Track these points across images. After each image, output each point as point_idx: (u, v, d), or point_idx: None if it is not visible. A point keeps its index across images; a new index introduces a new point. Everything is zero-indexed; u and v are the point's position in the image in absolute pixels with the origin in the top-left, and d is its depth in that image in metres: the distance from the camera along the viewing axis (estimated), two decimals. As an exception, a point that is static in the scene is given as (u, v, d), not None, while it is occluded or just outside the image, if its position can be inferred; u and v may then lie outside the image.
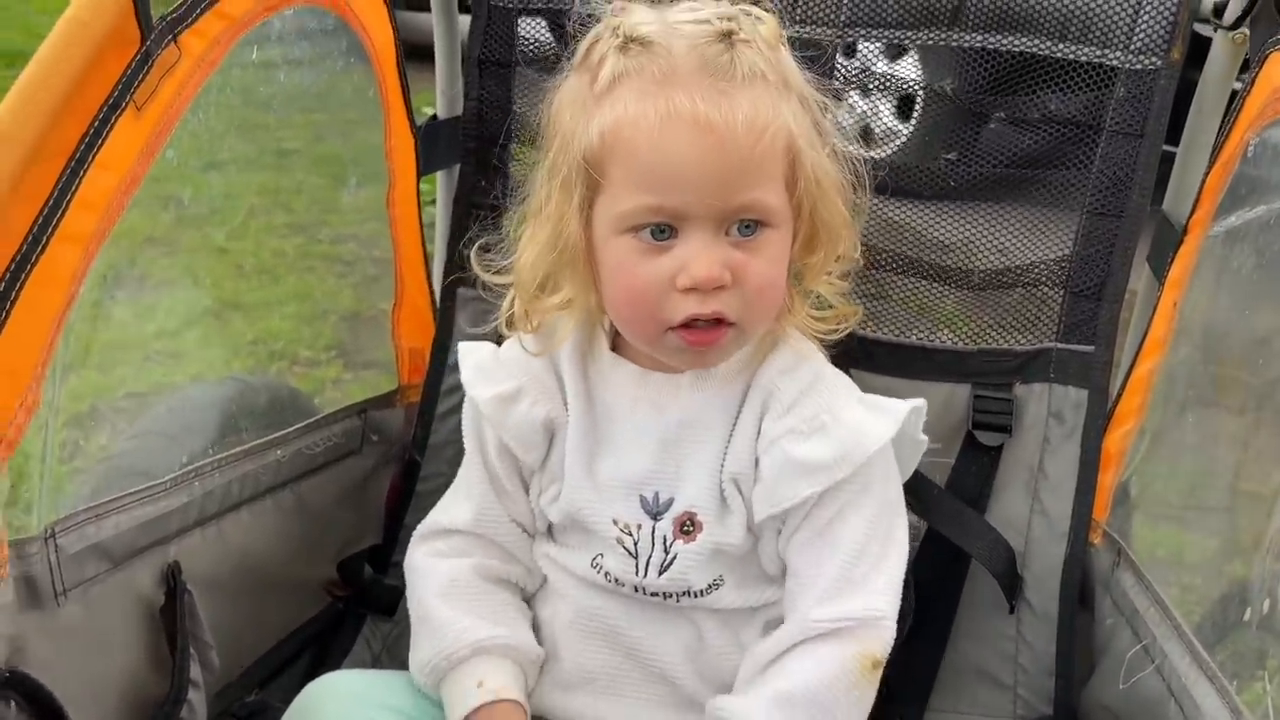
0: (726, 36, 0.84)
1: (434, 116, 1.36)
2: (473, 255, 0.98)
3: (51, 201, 0.72)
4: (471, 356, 0.99)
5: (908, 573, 1.07)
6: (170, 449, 1.03)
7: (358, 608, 1.24)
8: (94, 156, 0.75)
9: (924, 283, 1.21)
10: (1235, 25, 1.02)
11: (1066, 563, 1.14)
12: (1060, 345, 1.17)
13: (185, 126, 0.93)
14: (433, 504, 1.06)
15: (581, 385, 0.95)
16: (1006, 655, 1.16)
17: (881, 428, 0.90)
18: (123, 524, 0.87)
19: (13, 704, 0.72)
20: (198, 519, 0.96)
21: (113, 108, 0.76)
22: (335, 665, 1.17)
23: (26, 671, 0.73)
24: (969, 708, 1.16)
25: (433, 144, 1.31)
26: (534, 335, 0.96)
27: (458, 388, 1.14)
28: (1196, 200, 1.05)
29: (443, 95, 1.36)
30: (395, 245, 1.26)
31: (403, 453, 1.30)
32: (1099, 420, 1.14)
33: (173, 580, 0.91)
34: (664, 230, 0.85)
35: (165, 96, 0.83)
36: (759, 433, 0.91)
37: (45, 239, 0.72)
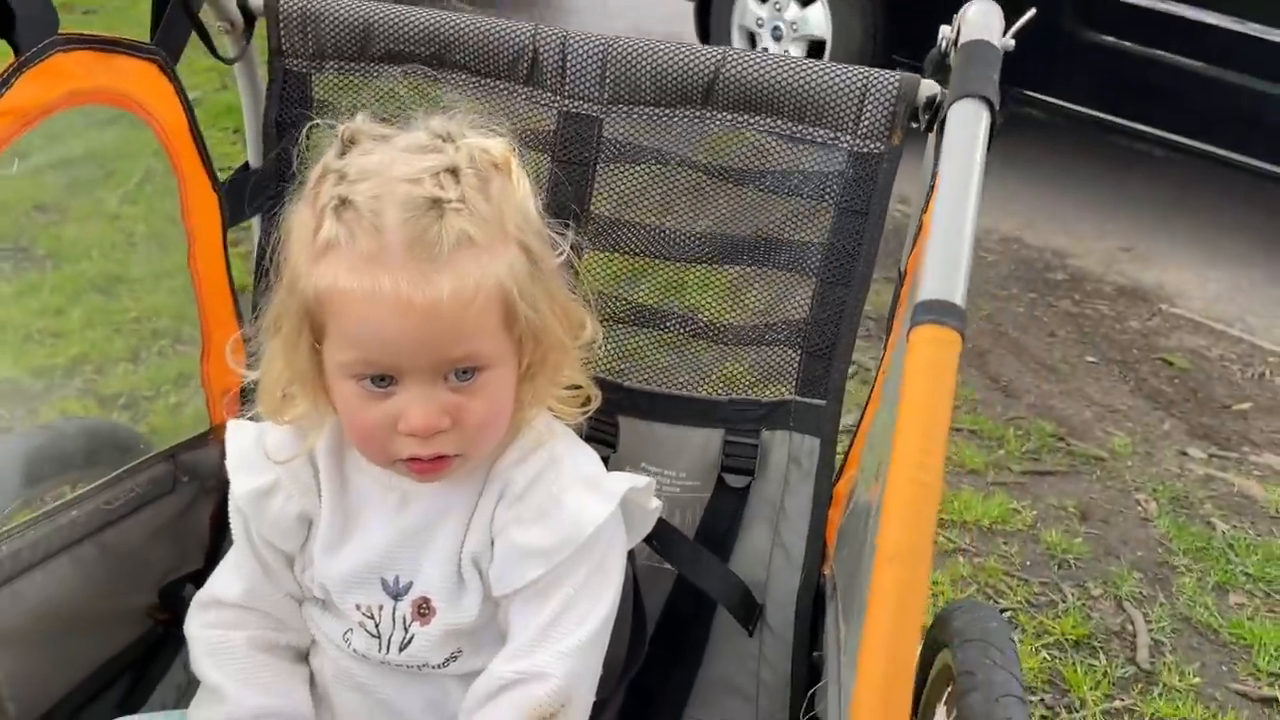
0: (436, 205, 0.88)
1: (245, 165, 1.43)
2: (228, 350, 1.06)
3: None
4: (235, 441, 1.07)
5: (647, 610, 1.22)
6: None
7: (178, 629, 1.35)
8: None
9: (683, 338, 1.32)
10: (927, 129, 1.13)
11: (800, 590, 1.29)
12: (798, 398, 1.29)
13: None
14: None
15: (336, 476, 1.04)
16: (750, 671, 1.31)
17: (598, 509, 1.00)
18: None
19: None
20: (15, 577, 1.06)
21: None
22: (150, 689, 1.30)
23: None
24: (718, 716, 1.32)
25: (238, 195, 1.38)
26: (286, 434, 1.04)
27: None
28: (900, 277, 1.17)
29: (252, 147, 1.43)
30: (200, 303, 1.34)
31: (220, 484, 1.40)
32: (829, 465, 1.28)
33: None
34: (384, 379, 0.92)
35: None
36: (495, 516, 1.01)
37: None
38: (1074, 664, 1.98)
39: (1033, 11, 1.00)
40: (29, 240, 3.19)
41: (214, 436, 1.40)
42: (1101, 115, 4.23)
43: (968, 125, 0.85)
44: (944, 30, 1.03)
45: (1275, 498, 2.67)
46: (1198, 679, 1.98)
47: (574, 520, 1.00)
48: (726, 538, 1.30)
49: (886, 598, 0.66)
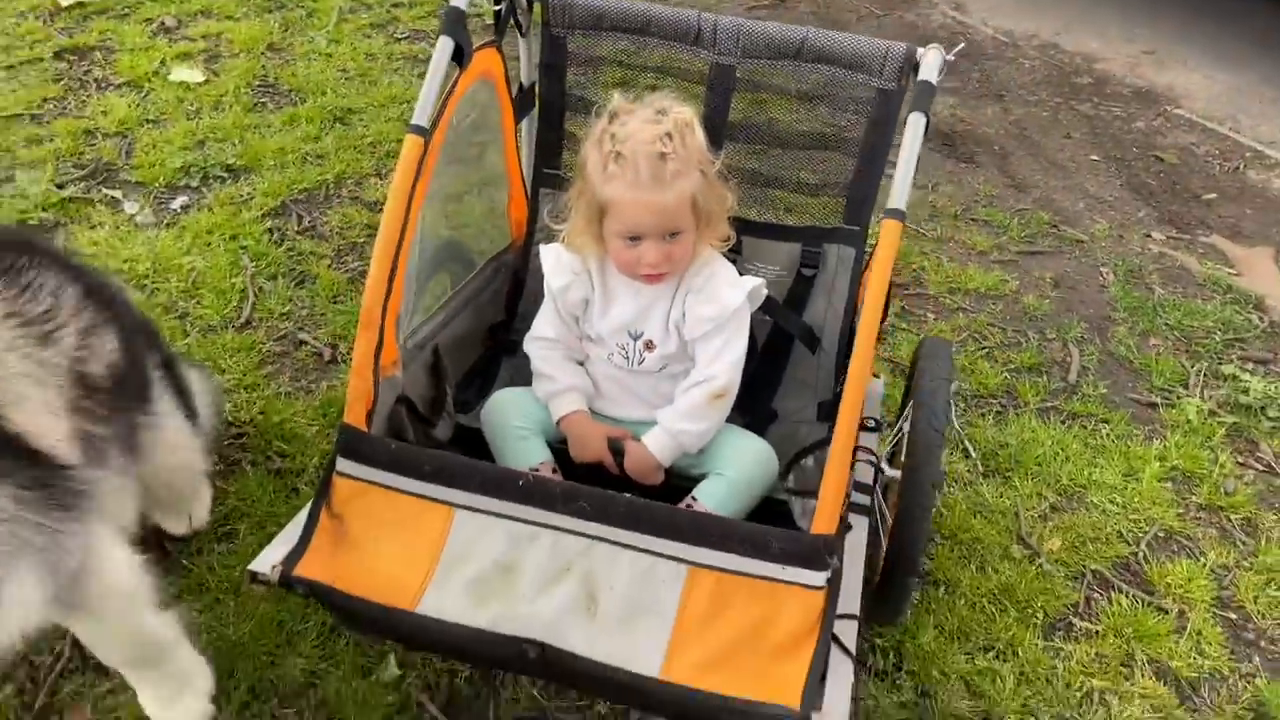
0: (663, 157, 1.88)
1: (520, 85, 2.42)
2: (544, 213, 2.13)
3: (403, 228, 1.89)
4: (548, 257, 2.13)
5: (758, 341, 2.30)
6: (433, 286, 2.23)
7: (498, 351, 2.48)
8: (411, 205, 1.90)
9: (781, 192, 2.33)
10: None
11: (842, 330, 2.35)
12: (844, 225, 2.30)
13: None
14: (532, 300, 2.29)
15: (601, 279, 2.10)
16: (812, 370, 2.39)
17: (738, 295, 2.05)
18: (421, 333, 2.10)
19: (404, 407, 1.98)
20: (446, 325, 2.19)
21: (414, 186, 1.90)
22: (492, 380, 2.43)
23: (407, 395, 1.99)
24: (794, 398, 2.41)
25: (521, 101, 2.39)
26: (575, 256, 2.09)
27: (538, 241, 2.33)
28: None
29: (525, 74, 2.41)
30: (508, 172, 2.38)
31: (514, 273, 2.49)
32: (860, 265, 2.31)
33: (436, 354, 2.15)
34: (635, 238, 1.96)
35: (430, 162, 1.95)
36: (685, 301, 2.07)
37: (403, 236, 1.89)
38: (1025, 381, 3.03)
39: (963, 44, 1.94)
40: (273, 77, 4.17)
41: (511, 248, 2.48)
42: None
43: (915, 126, 1.85)
44: (919, 51, 2.00)
45: (1205, 269, 3.61)
46: (1105, 390, 3.03)
47: (726, 302, 2.06)
48: (801, 302, 2.36)
49: (863, 331, 1.72)
